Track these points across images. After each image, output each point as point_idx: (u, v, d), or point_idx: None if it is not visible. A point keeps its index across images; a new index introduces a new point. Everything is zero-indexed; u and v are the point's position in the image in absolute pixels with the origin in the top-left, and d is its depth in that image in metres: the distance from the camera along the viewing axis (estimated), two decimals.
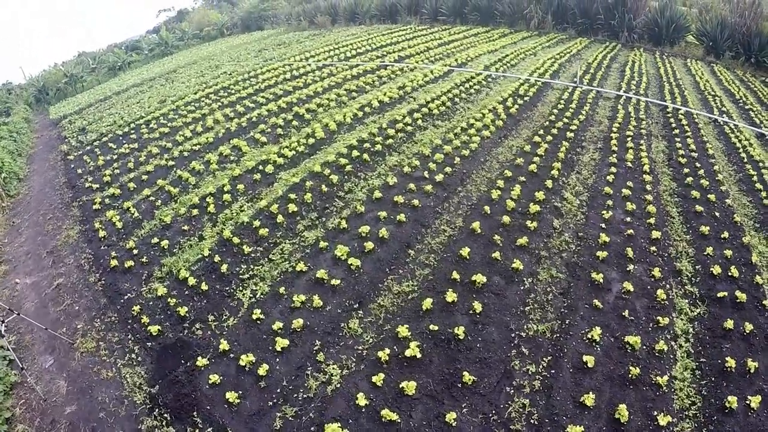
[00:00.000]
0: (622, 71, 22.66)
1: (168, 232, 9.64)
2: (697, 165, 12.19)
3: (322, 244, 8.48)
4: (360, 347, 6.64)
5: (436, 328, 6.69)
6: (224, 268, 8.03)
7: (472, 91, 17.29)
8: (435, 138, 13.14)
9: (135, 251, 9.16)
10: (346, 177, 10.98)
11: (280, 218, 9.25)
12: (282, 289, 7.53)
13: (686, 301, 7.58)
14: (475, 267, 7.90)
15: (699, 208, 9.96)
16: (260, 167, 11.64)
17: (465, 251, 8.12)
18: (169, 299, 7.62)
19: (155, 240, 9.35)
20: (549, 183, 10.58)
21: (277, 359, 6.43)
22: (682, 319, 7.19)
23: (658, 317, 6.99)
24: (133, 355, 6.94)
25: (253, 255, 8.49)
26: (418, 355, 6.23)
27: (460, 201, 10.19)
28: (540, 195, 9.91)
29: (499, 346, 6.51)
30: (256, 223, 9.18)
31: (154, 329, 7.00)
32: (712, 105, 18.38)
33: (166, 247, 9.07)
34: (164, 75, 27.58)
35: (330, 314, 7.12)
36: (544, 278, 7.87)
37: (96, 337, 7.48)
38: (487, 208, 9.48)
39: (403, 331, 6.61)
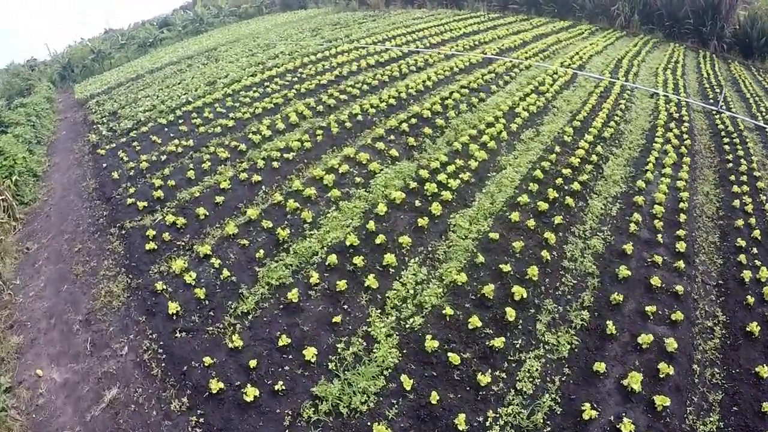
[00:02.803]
0: (740, 92, 18.83)
1: (299, 322, 5.57)
2: None
3: (599, 366, 4.77)
4: None
5: None
6: (461, 422, 4.13)
7: (622, 106, 13.27)
8: (624, 173, 9.44)
9: (249, 358, 5.11)
10: (560, 234, 7.07)
11: (510, 313, 5.28)
12: None
13: None
14: None
15: None
16: (415, 201, 7.66)
17: (763, 370, 5.21)
18: None
19: (282, 338, 5.26)
20: None
21: None
22: None
23: None
24: None
25: (494, 388, 4.67)
26: None
27: (701, 278, 7.11)
28: None
29: None
30: (474, 320, 5.15)
31: None
32: None
33: (312, 360, 5.05)
34: (203, 53, 23.37)
35: None
36: None
37: None
38: (750, 298, 6.38)
39: None
